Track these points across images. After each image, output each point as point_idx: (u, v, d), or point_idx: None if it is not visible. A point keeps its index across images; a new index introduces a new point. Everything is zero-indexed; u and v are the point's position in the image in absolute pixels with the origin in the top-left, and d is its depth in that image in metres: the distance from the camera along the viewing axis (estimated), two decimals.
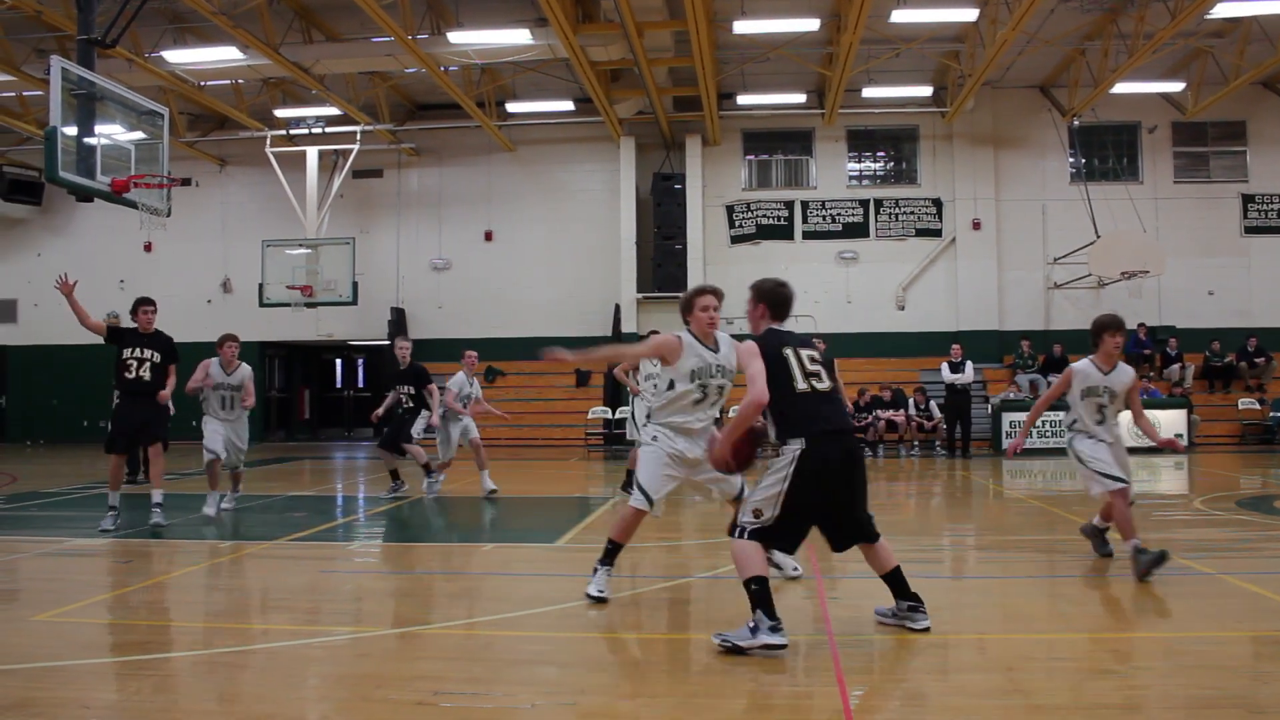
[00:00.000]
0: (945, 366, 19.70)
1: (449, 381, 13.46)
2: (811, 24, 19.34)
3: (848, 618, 6.32)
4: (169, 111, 14.45)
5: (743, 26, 19.35)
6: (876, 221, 25.01)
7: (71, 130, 12.31)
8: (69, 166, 12.21)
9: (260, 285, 24.03)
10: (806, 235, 25.20)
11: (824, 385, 5.81)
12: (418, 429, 13.50)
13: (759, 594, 5.49)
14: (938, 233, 24.79)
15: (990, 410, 21.18)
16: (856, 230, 25.06)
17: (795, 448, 5.63)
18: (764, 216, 25.27)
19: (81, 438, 25.83)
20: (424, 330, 26.24)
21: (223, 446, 11.08)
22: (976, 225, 24.51)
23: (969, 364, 19.53)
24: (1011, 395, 21.33)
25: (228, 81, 22.10)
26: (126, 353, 10.39)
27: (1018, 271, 24.58)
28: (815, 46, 21.74)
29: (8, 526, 11.43)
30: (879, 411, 20.90)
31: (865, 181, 25.45)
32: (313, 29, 20.19)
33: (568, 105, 24.12)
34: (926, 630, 5.87)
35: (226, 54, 19.52)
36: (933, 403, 20.91)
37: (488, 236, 26.25)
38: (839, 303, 24.79)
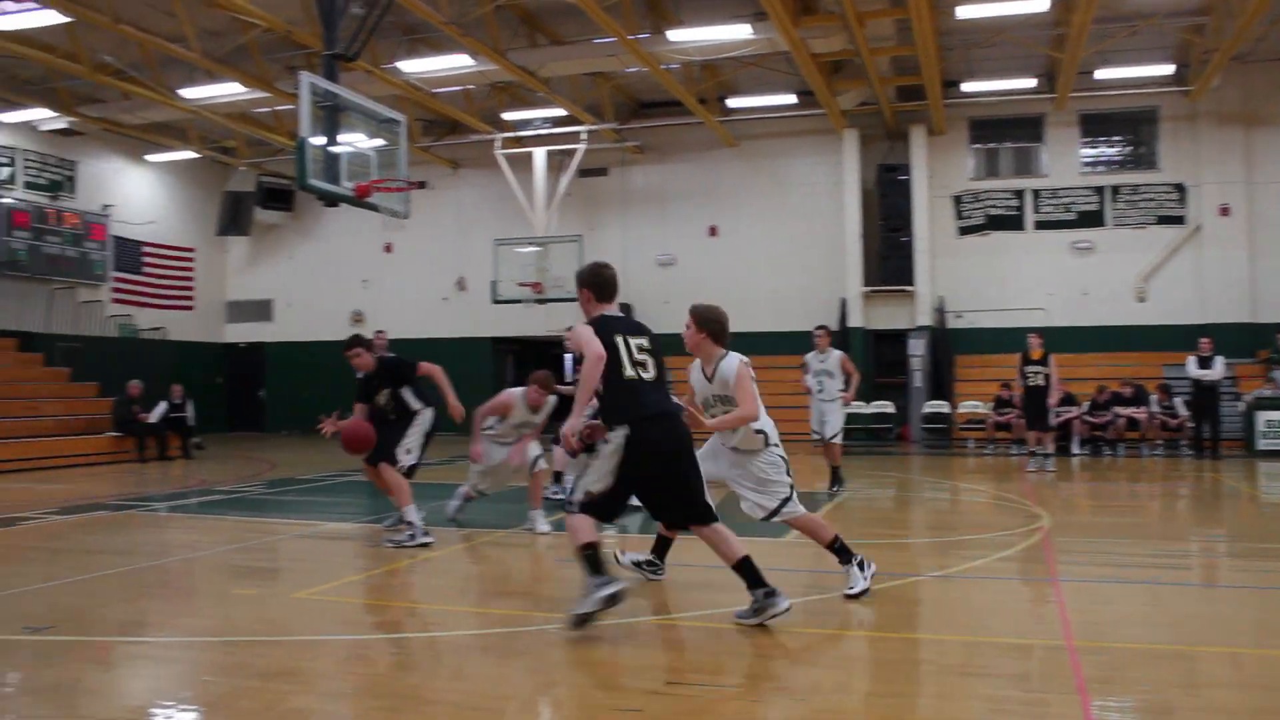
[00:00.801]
0: (1192, 361, 18.63)
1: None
2: (1040, 4, 18.55)
3: (1087, 623, 6.11)
4: (405, 118, 15.14)
5: (967, 11, 18.74)
6: (1113, 209, 23.84)
7: (319, 140, 13.07)
8: (317, 174, 12.97)
9: (492, 282, 24.87)
10: (1038, 225, 24.25)
11: (649, 374, 6.12)
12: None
13: (591, 558, 5.84)
14: (1180, 219, 23.42)
15: (1243, 408, 19.89)
16: (1091, 219, 23.95)
17: (622, 433, 5.90)
18: (993, 206, 24.50)
19: None
20: (650, 326, 26.40)
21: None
22: (1224, 211, 23.03)
23: (1219, 359, 18.39)
24: (1268, 393, 19.92)
25: (459, 88, 22.90)
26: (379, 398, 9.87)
27: (1273, 259, 22.87)
28: (1044, 28, 20.88)
29: (268, 510, 12.26)
30: (1118, 408, 19.95)
31: (1100, 168, 24.28)
32: (537, 34, 20.73)
33: (789, 99, 23.96)
34: (788, 610, 5.94)
35: (457, 62, 20.25)
36: (1177, 400, 19.82)
37: (712, 232, 26.39)
38: (1074, 295, 23.78)
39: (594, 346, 5.98)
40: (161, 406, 20.48)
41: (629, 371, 6.06)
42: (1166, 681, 5.07)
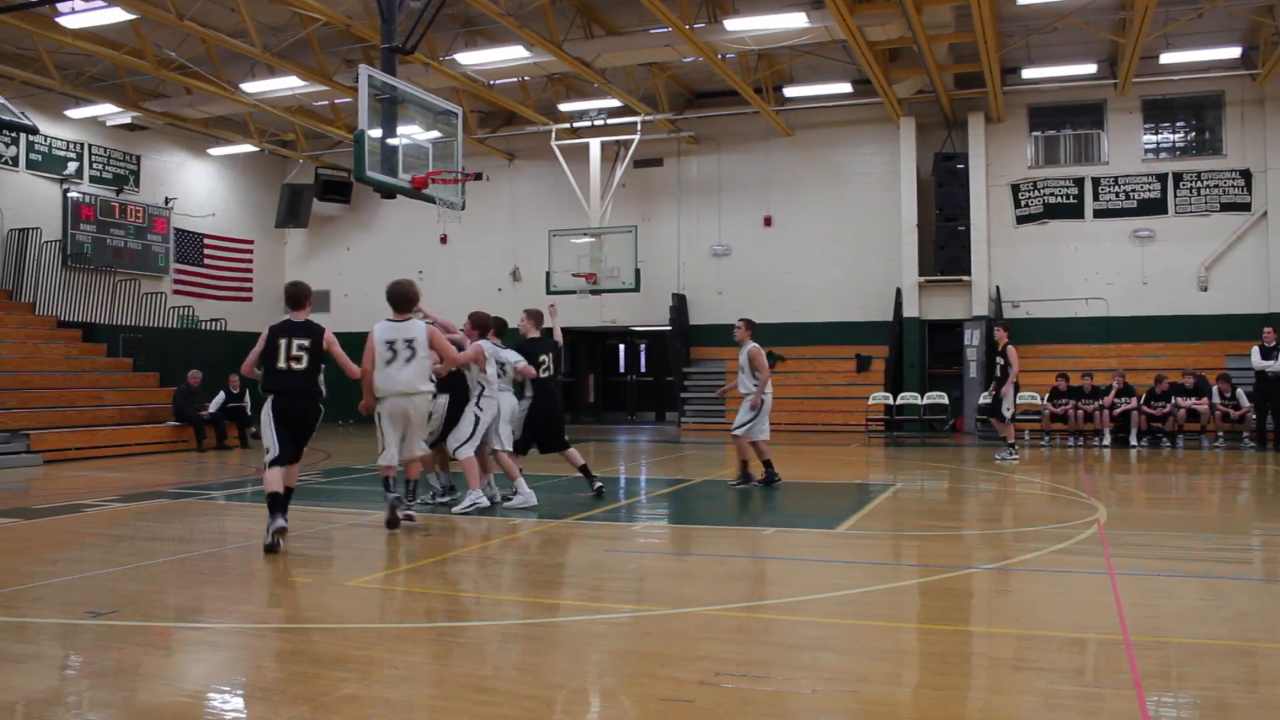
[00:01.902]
0: (1255, 351, 18.28)
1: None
2: None
3: (1144, 617, 6.02)
4: (462, 110, 15.21)
5: None
6: (1175, 197, 23.43)
7: (376, 133, 13.16)
8: (375, 166, 13.07)
9: (547, 273, 24.92)
10: (1098, 214, 23.88)
11: (300, 365, 8.75)
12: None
13: (273, 502, 8.43)
14: (1246, 206, 22.93)
15: None
16: (1153, 207, 23.55)
17: (269, 401, 8.70)
18: (1051, 195, 24.17)
19: None
20: (704, 316, 26.61)
21: None
22: None
23: None
24: None
25: (515, 79, 22.98)
26: None
27: None
28: (1107, 12, 20.55)
29: (323, 499, 12.40)
30: (1178, 399, 19.61)
31: (1163, 154, 23.83)
32: (593, 24, 20.73)
33: (845, 88, 23.75)
34: (281, 530, 8.30)
35: (514, 53, 20.32)
36: (1239, 391, 19.45)
37: (767, 222, 26.29)
38: (1134, 284, 23.42)
39: (256, 348, 8.84)
40: (219, 397, 20.79)
41: (281, 363, 8.69)
42: (1224, 678, 4.99)
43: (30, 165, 23.58)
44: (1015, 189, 24.36)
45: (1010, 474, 14.74)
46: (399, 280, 9.75)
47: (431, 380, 9.78)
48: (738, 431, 12.67)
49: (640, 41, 20.57)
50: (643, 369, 33.23)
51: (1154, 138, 23.81)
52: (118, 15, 17.97)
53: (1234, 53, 21.94)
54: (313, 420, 8.91)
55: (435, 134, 14.55)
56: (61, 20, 18.28)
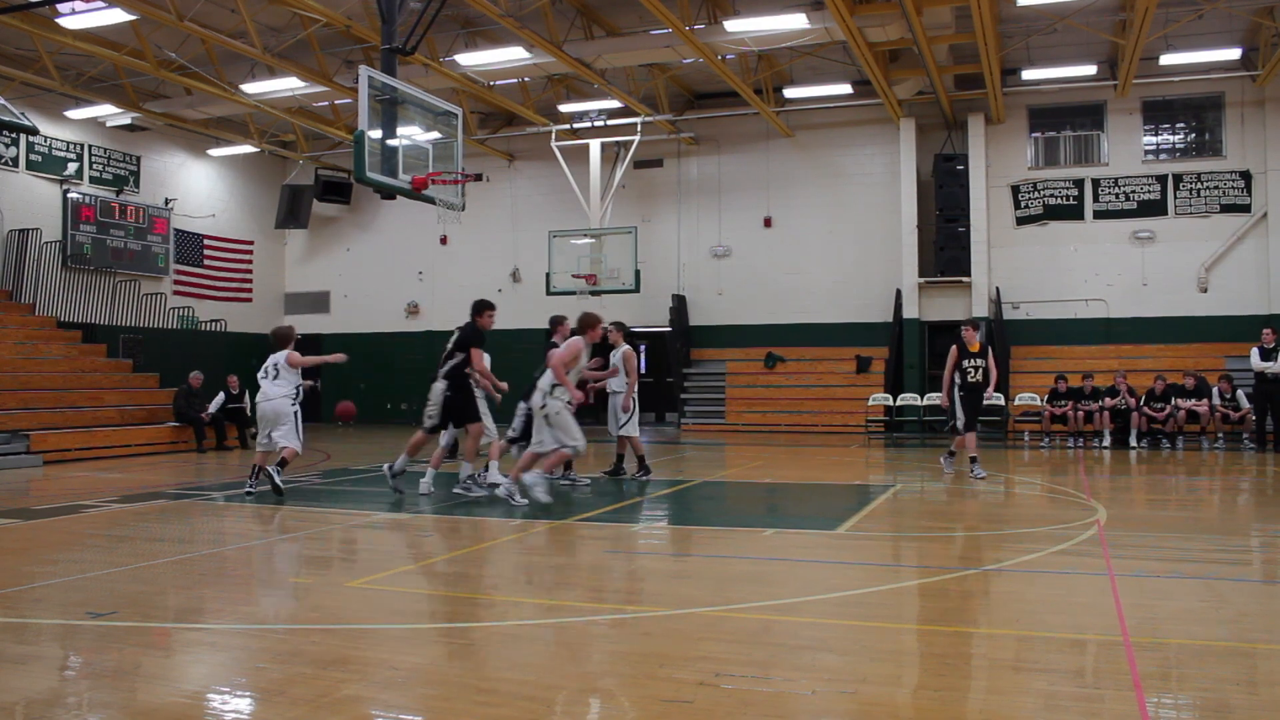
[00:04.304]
0: (1255, 353, 18.27)
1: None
2: None
3: (1143, 618, 6.02)
4: (462, 111, 15.21)
5: None
6: (1175, 198, 23.43)
7: (376, 134, 13.16)
8: (375, 167, 13.07)
9: (547, 274, 24.94)
10: (1098, 215, 23.89)
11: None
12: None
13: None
14: (1246, 208, 22.93)
15: None
16: (1153, 208, 23.55)
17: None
18: (1051, 196, 24.17)
19: (386, 419, 27.64)
20: (705, 317, 26.63)
21: None
22: None
23: None
24: None
25: (515, 80, 22.97)
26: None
27: None
28: (1107, 14, 20.55)
29: (323, 500, 12.39)
30: (1179, 400, 19.60)
31: (1163, 155, 23.84)
32: (593, 25, 20.73)
33: (845, 89, 23.75)
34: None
35: (514, 54, 20.32)
36: (1239, 392, 19.44)
37: (767, 223, 26.29)
38: (1134, 285, 23.42)
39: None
40: (219, 398, 20.77)
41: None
42: (1224, 679, 4.98)
43: (30, 166, 23.58)
44: (1015, 190, 24.36)
45: (1011, 475, 14.71)
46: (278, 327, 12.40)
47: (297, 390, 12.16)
48: (624, 433, 13.94)
49: (640, 42, 20.57)
50: (643, 370, 33.14)
51: (1154, 139, 23.81)
52: (118, 16, 17.97)
53: (1234, 54, 21.93)
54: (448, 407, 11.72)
55: (435, 135, 14.55)
56: (61, 21, 18.28)
